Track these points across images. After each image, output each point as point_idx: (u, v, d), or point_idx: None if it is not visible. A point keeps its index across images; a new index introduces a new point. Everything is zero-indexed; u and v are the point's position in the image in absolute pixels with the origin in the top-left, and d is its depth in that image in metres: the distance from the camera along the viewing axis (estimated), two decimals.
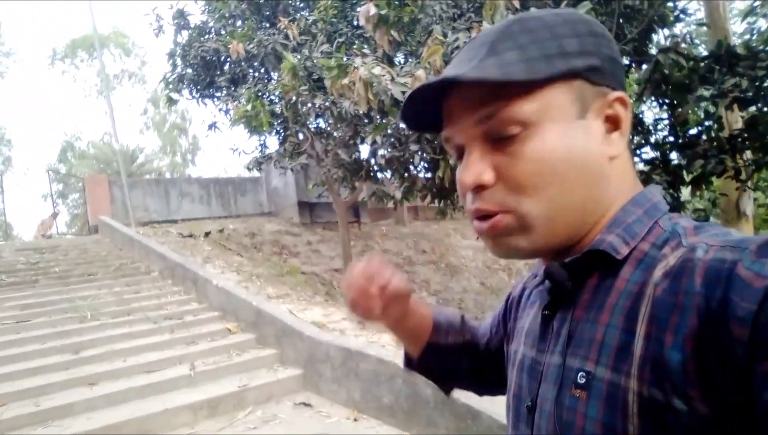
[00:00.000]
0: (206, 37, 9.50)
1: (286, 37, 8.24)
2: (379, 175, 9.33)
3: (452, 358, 0.88)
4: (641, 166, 5.35)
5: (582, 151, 0.55)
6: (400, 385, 3.77)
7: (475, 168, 0.56)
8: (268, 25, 9.18)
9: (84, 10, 41.35)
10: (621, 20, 6.00)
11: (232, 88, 8.93)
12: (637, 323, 0.50)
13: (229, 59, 9.46)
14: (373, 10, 6.08)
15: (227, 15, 8.64)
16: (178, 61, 9.97)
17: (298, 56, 6.55)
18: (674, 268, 0.49)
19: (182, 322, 5.92)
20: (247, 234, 12.25)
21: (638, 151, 5.63)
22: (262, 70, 9.40)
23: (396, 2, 6.31)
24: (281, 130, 9.79)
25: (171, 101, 9.90)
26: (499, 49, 0.55)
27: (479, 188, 0.57)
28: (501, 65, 0.54)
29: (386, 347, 4.59)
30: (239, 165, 40.72)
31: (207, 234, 10.97)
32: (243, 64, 8.72)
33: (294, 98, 6.55)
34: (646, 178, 4.90)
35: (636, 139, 5.57)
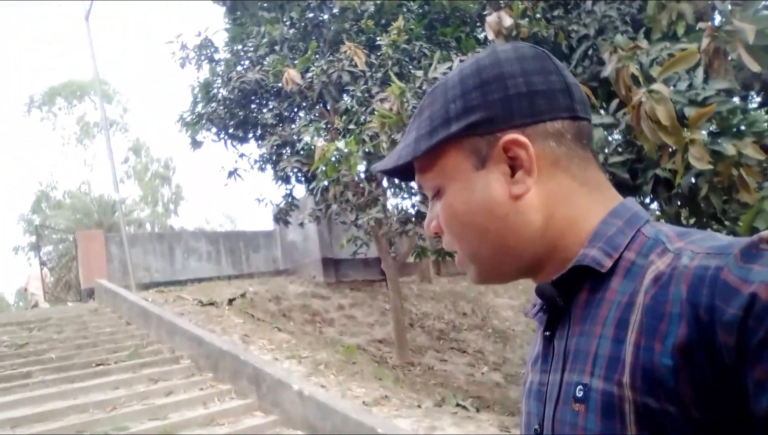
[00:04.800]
0: (240, 68, 7.99)
1: (352, 63, 6.80)
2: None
3: None
4: None
5: (481, 200, 0.58)
6: None
7: (428, 218, 0.66)
8: (321, 54, 7.74)
9: (63, 59, 39.93)
10: None
11: (279, 127, 7.36)
12: (627, 332, 0.49)
13: (266, 95, 7.98)
14: (508, 21, 4.67)
15: (279, 40, 7.13)
16: (200, 97, 8.43)
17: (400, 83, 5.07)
18: (662, 275, 0.49)
19: None
20: (271, 298, 10.44)
21: None
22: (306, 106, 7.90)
23: (538, 16, 4.94)
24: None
25: (195, 144, 8.27)
26: (411, 127, 0.63)
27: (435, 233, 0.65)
28: (401, 148, 0.63)
29: None
30: (223, 215, 38.50)
31: (231, 301, 9.13)
32: (296, 97, 7.19)
33: (391, 134, 5.03)
34: None
35: None
